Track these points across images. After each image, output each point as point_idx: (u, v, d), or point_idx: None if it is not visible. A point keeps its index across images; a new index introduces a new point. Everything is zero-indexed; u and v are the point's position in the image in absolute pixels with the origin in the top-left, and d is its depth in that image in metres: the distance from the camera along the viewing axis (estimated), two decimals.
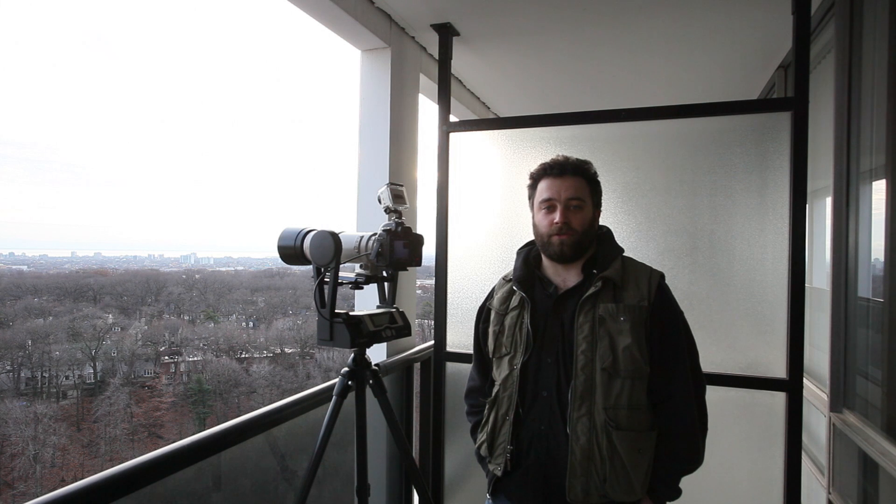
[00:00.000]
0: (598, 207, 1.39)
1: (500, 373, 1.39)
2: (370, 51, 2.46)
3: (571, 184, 1.32)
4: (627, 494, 1.23)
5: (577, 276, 1.34)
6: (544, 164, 1.38)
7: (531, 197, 1.41)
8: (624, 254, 1.37)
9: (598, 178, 1.39)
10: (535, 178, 1.39)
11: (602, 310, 1.26)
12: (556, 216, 1.31)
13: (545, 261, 1.40)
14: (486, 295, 1.54)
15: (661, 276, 1.33)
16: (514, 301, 1.40)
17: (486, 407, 1.42)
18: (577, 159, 1.36)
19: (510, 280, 1.44)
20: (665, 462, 1.26)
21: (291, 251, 1.55)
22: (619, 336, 1.24)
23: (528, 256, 1.43)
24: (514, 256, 1.47)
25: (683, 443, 1.27)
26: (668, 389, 1.27)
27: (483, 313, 1.51)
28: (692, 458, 1.28)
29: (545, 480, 1.29)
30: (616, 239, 1.39)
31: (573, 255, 1.32)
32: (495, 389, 1.40)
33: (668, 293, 1.32)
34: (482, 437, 1.42)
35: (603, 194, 1.42)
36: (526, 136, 2.31)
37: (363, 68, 2.49)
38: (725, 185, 2.02)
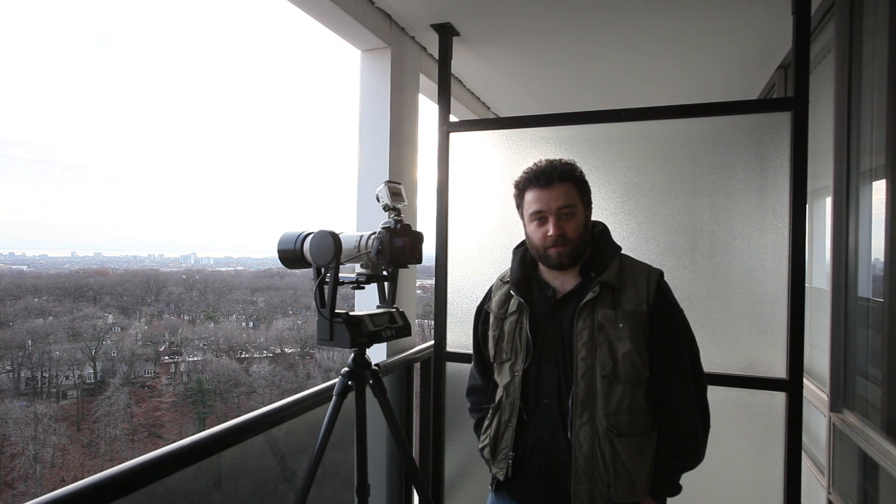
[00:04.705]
0: (588, 207, 1.35)
1: (501, 378, 1.38)
2: (370, 51, 2.46)
3: (561, 192, 1.27)
4: (631, 496, 1.23)
5: (575, 278, 1.32)
6: (528, 172, 1.32)
7: (519, 206, 1.38)
8: (622, 251, 1.34)
9: (585, 178, 1.33)
10: (521, 189, 1.34)
11: (601, 316, 1.24)
12: (550, 228, 1.27)
13: (542, 266, 1.37)
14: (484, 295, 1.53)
15: (660, 273, 1.30)
16: (513, 305, 1.38)
17: (490, 412, 1.41)
18: (562, 162, 1.31)
19: (507, 282, 1.41)
20: (667, 460, 1.27)
21: (291, 254, 1.55)
22: (618, 342, 1.23)
23: (525, 258, 1.39)
24: (511, 256, 1.45)
25: (684, 441, 1.27)
26: (669, 390, 1.26)
27: (482, 315, 1.50)
28: (693, 455, 1.29)
29: (550, 485, 1.29)
30: (616, 239, 1.38)
31: (572, 263, 1.30)
32: (499, 395, 1.39)
33: (668, 292, 1.30)
34: (485, 440, 1.41)
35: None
36: (526, 136, 2.31)
37: (363, 68, 2.49)
38: (725, 185, 2.02)
